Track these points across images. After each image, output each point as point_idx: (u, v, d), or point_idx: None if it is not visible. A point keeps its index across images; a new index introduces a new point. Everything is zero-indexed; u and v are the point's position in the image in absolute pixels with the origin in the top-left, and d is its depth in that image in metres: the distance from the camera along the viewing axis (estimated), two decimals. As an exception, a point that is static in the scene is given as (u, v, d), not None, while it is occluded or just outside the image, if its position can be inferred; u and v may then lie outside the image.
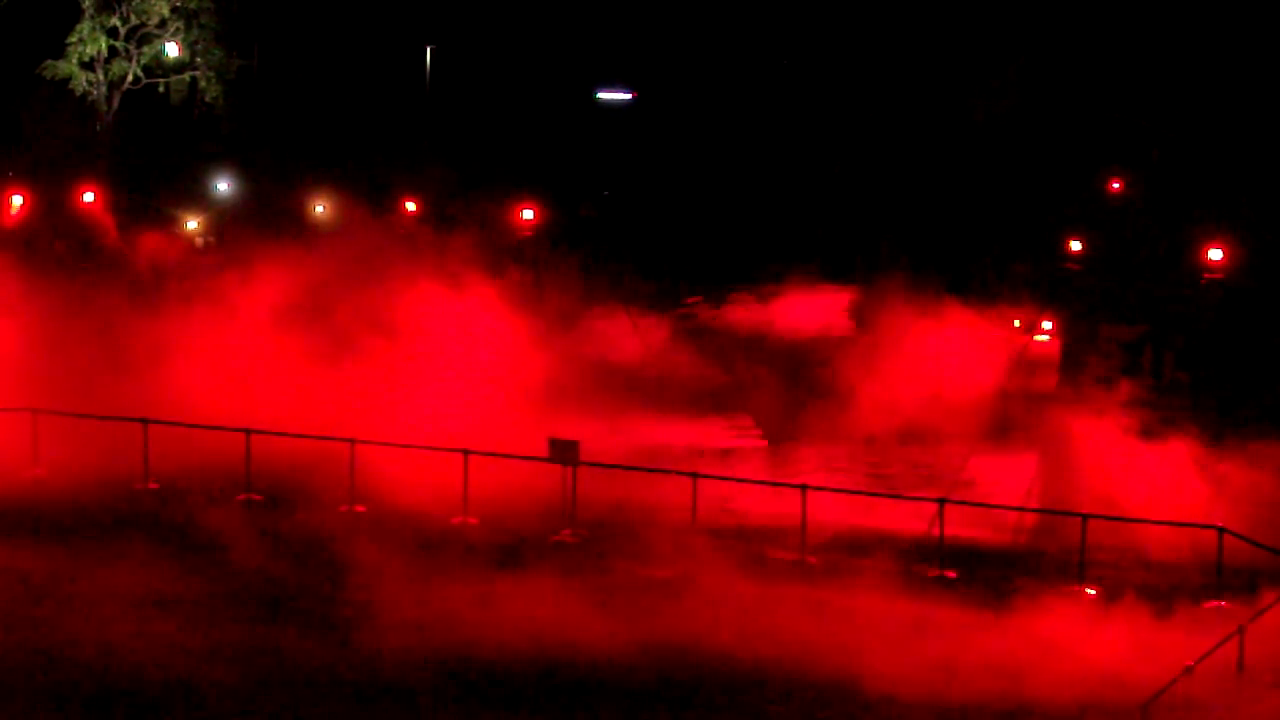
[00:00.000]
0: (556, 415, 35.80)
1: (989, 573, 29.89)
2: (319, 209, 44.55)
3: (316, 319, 38.96)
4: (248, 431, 33.28)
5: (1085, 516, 29.40)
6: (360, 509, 32.69)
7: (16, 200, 41.71)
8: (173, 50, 52.84)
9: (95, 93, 52.50)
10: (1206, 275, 36.77)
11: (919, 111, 54.23)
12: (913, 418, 36.90)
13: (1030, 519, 32.91)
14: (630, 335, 46.04)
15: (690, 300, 49.50)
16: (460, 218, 45.99)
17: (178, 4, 52.55)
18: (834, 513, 31.83)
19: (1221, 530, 28.61)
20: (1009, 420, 38.42)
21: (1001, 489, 34.24)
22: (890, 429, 37.07)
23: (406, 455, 32.89)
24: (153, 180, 50.04)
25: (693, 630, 26.13)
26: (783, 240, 50.90)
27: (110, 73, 52.54)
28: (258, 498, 33.15)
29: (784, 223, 52.43)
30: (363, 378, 37.78)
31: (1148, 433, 33.67)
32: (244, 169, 51.89)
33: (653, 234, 52.50)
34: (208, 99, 53.79)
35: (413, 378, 37.76)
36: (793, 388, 40.85)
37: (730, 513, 32.93)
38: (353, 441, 32.92)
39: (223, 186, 50.59)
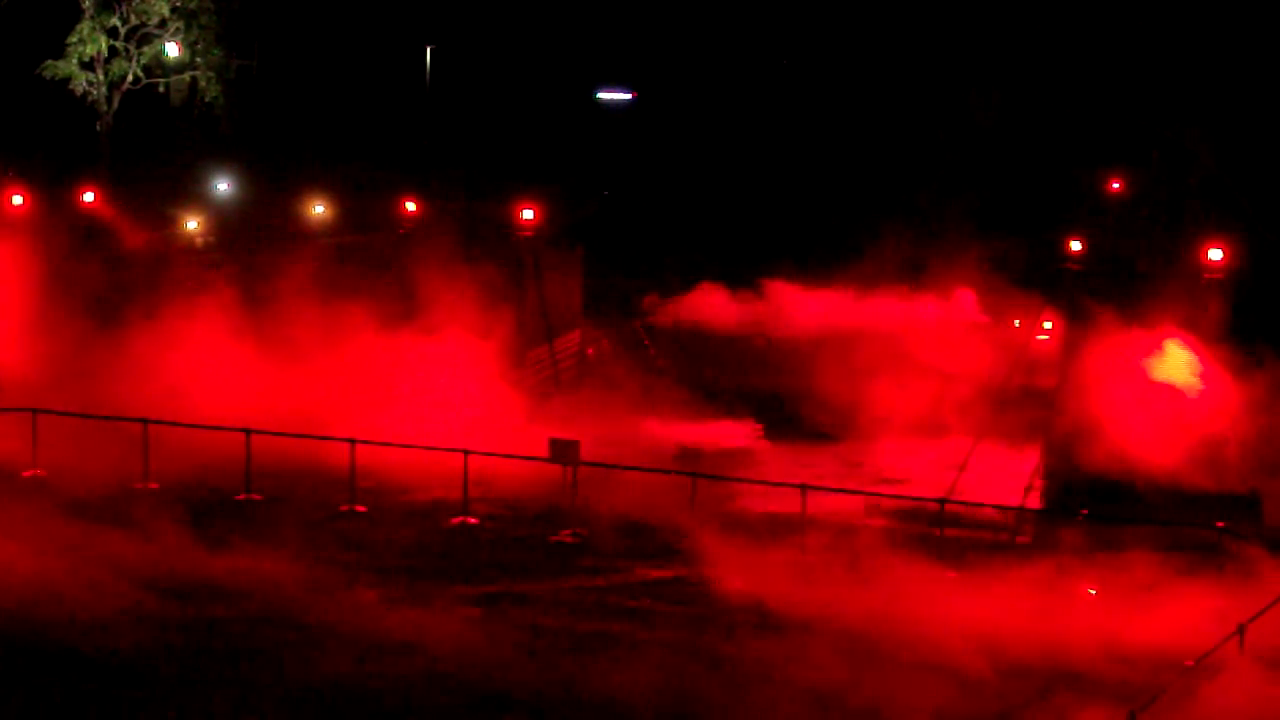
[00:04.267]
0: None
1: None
2: (318, 209, 44.50)
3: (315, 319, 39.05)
4: (248, 431, 33.28)
5: (1083, 517, 29.42)
6: (361, 509, 32.79)
7: (16, 200, 41.66)
8: (173, 50, 52.78)
9: (95, 93, 52.45)
10: (1206, 275, 36.74)
11: (919, 111, 54.24)
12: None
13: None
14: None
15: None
16: (461, 219, 45.99)
17: (178, 4, 52.49)
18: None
19: (1221, 530, 28.63)
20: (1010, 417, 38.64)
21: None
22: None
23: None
24: (153, 180, 49.98)
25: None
26: (782, 239, 50.94)
27: (110, 73, 52.49)
28: (257, 497, 33.17)
29: (784, 222, 52.44)
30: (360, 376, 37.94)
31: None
32: (244, 169, 51.86)
33: (654, 233, 52.52)
34: (208, 99, 53.74)
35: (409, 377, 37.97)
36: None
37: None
38: (353, 441, 32.96)
39: (223, 186, 50.56)
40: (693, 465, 34.48)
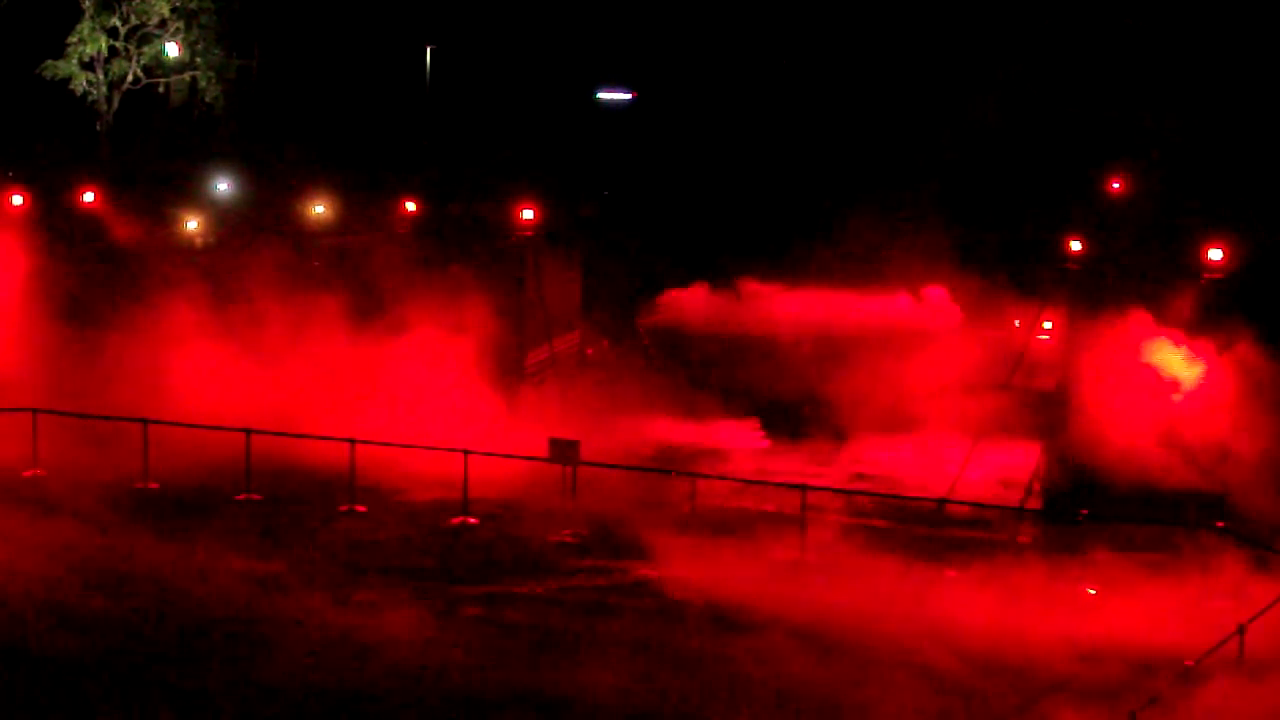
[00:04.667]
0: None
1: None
2: (318, 209, 44.51)
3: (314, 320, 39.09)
4: (248, 431, 33.33)
5: (1081, 518, 29.43)
6: (361, 509, 32.82)
7: (16, 200, 41.70)
8: (173, 50, 52.78)
9: (95, 93, 52.47)
10: (1206, 275, 36.71)
11: (919, 111, 54.25)
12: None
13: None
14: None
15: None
16: (460, 218, 45.99)
17: (178, 4, 52.50)
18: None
19: (1221, 531, 28.65)
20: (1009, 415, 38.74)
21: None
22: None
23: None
24: (153, 180, 49.97)
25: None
26: (779, 239, 50.93)
27: (110, 73, 52.51)
28: (257, 497, 33.21)
29: (783, 221, 52.42)
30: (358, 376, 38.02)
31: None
32: (244, 169, 51.85)
33: (654, 233, 52.49)
34: (208, 99, 53.75)
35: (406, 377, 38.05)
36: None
37: None
38: (353, 441, 32.99)
39: (223, 186, 50.56)
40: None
